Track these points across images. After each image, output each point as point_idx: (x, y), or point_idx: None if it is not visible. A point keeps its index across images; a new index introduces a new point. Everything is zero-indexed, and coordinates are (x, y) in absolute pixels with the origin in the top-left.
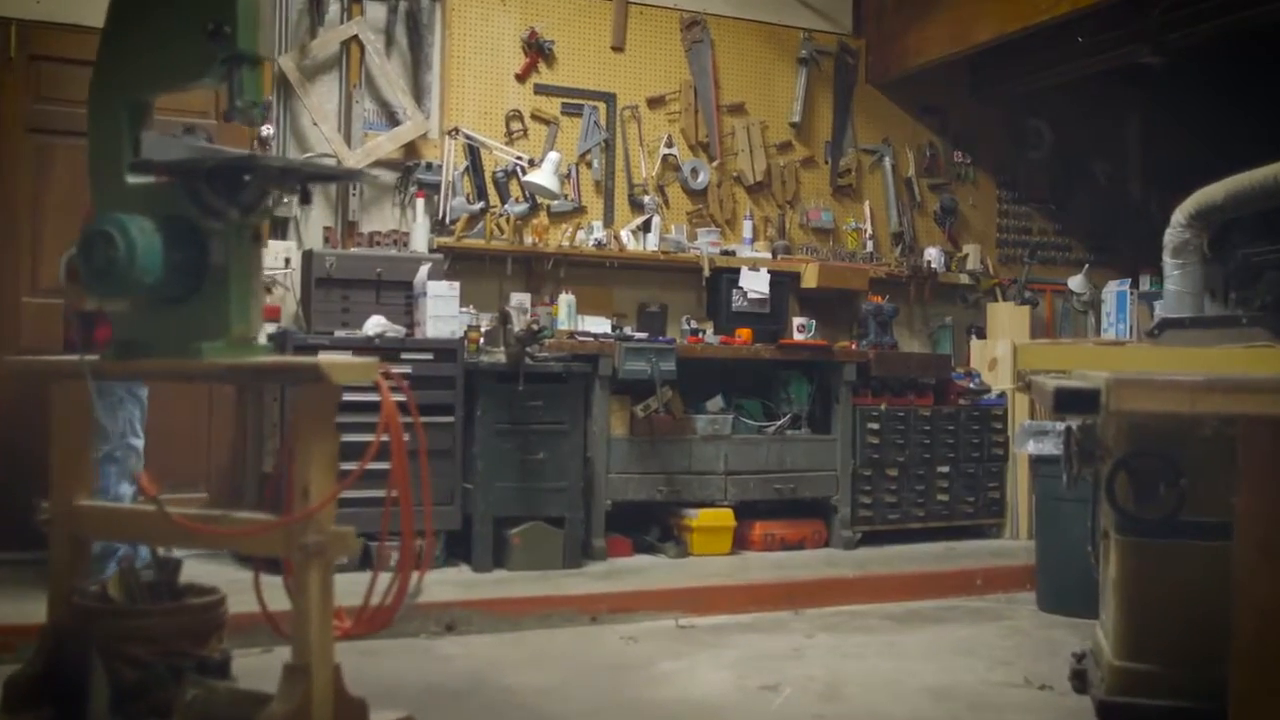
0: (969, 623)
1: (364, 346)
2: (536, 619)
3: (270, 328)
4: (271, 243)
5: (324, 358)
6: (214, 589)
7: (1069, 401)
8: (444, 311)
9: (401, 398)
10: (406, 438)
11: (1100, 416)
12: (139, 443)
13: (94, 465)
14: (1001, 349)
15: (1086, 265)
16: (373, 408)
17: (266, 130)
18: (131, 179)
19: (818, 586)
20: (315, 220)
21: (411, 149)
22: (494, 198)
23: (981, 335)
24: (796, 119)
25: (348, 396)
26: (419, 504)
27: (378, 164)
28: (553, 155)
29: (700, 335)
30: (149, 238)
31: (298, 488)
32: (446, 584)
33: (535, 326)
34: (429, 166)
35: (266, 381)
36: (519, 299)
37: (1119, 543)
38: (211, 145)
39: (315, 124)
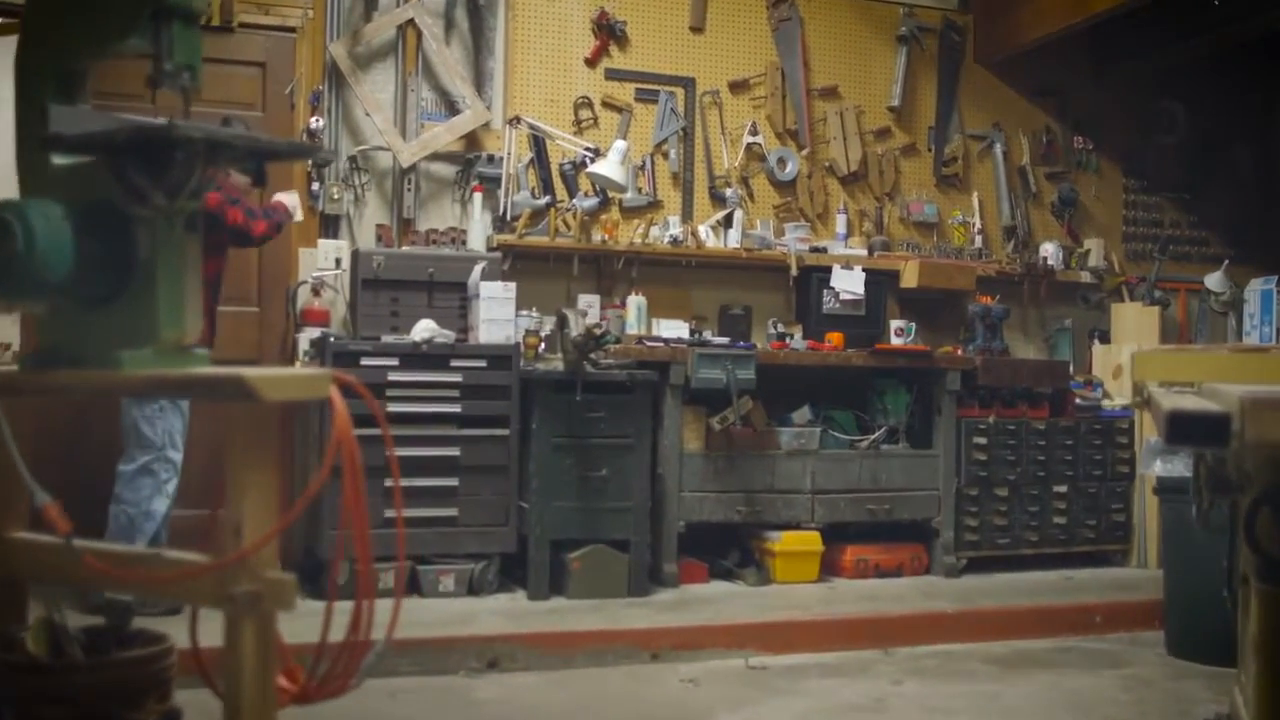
0: (1085, 670)
1: (410, 353)
2: (589, 655)
3: (314, 333)
4: (321, 242)
5: (254, 370)
6: (162, 637)
7: (1187, 429)
8: (499, 314)
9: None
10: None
11: (1231, 449)
12: (178, 456)
13: (129, 477)
14: (1127, 355)
15: (1226, 261)
16: (415, 419)
17: (316, 122)
18: (57, 160)
19: (912, 622)
20: (369, 218)
21: (473, 140)
22: (561, 192)
23: (1105, 339)
24: (896, 103)
25: (400, 408)
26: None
27: (433, 156)
28: (619, 144)
29: (787, 340)
30: (54, 226)
31: (228, 525)
32: (495, 614)
33: (598, 331)
34: (490, 159)
35: (191, 397)
36: (587, 301)
37: (1262, 593)
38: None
39: (368, 115)
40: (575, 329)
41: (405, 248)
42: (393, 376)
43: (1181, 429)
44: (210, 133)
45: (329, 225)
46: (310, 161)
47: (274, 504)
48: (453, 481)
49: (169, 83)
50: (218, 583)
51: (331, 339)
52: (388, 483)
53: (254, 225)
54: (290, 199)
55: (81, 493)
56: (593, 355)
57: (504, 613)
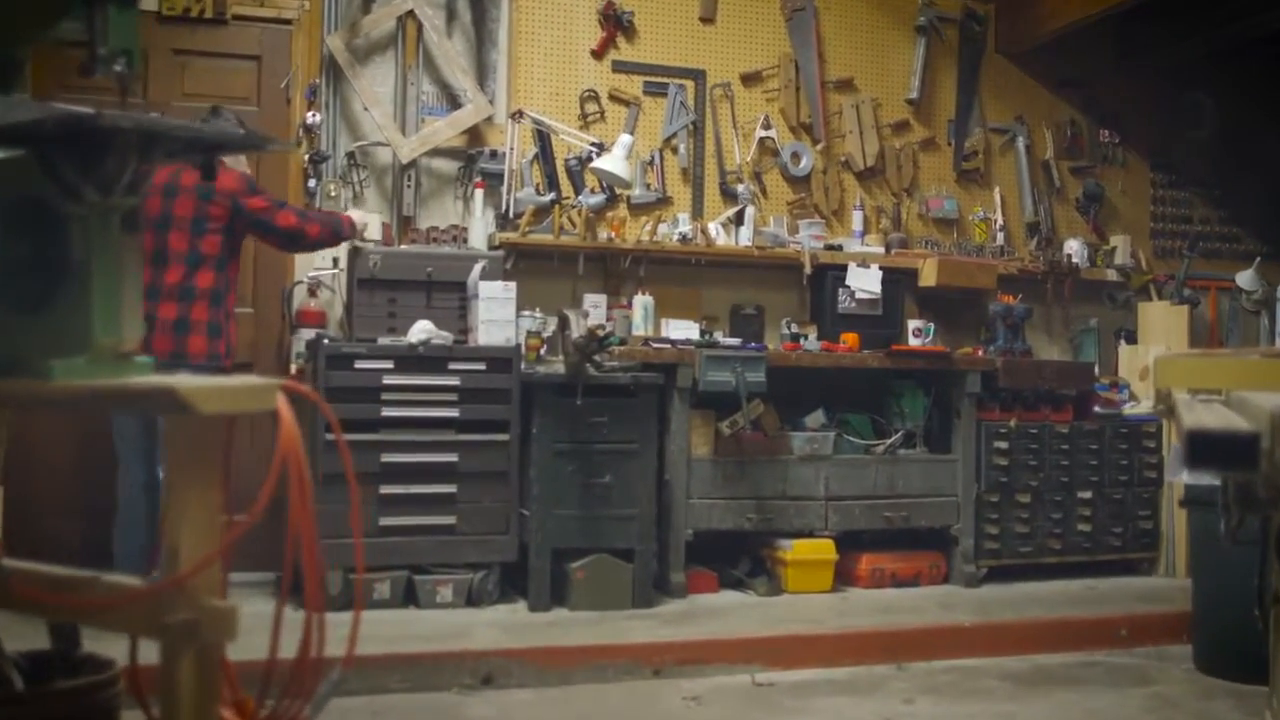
0: (1108, 687)
1: (406, 355)
2: (588, 671)
3: (310, 335)
4: None
5: (188, 380)
6: (110, 663)
7: (1210, 452)
8: (498, 315)
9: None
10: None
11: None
12: None
13: (147, 491)
14: (1155, 356)
15: (1258, 259)
16: (411, 423)
17: (313, 117)
18: None
19: (927, 636)
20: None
21: (475, 136)
22: (566, 188)
23: (1132, 340)
24: (914, 95)
25: (395, 412)
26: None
27: (434, 152)
28: (624, 138)
29: (800, 341)
30: None
31: (166, 548)
32: (493, 626)
33: (600, 332)
34: (493, 155)
35: (121, 411)
36: (593, 301)
37: None
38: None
39: (366, 109)
40: (577, 330)
41: (404, 246)
42: (388, 380)
43: (1204, 451)
44: (143, 122)
45: None
46: (306, 157)
47: (216, 525)
48: (450, 488)
49: (103, 70)
50: (153, 611)
51: (326, 340)
52: (383, 490)
53: (307, 227)
54: (361, 216)
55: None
56: (596, 357)
57: (502, 625)
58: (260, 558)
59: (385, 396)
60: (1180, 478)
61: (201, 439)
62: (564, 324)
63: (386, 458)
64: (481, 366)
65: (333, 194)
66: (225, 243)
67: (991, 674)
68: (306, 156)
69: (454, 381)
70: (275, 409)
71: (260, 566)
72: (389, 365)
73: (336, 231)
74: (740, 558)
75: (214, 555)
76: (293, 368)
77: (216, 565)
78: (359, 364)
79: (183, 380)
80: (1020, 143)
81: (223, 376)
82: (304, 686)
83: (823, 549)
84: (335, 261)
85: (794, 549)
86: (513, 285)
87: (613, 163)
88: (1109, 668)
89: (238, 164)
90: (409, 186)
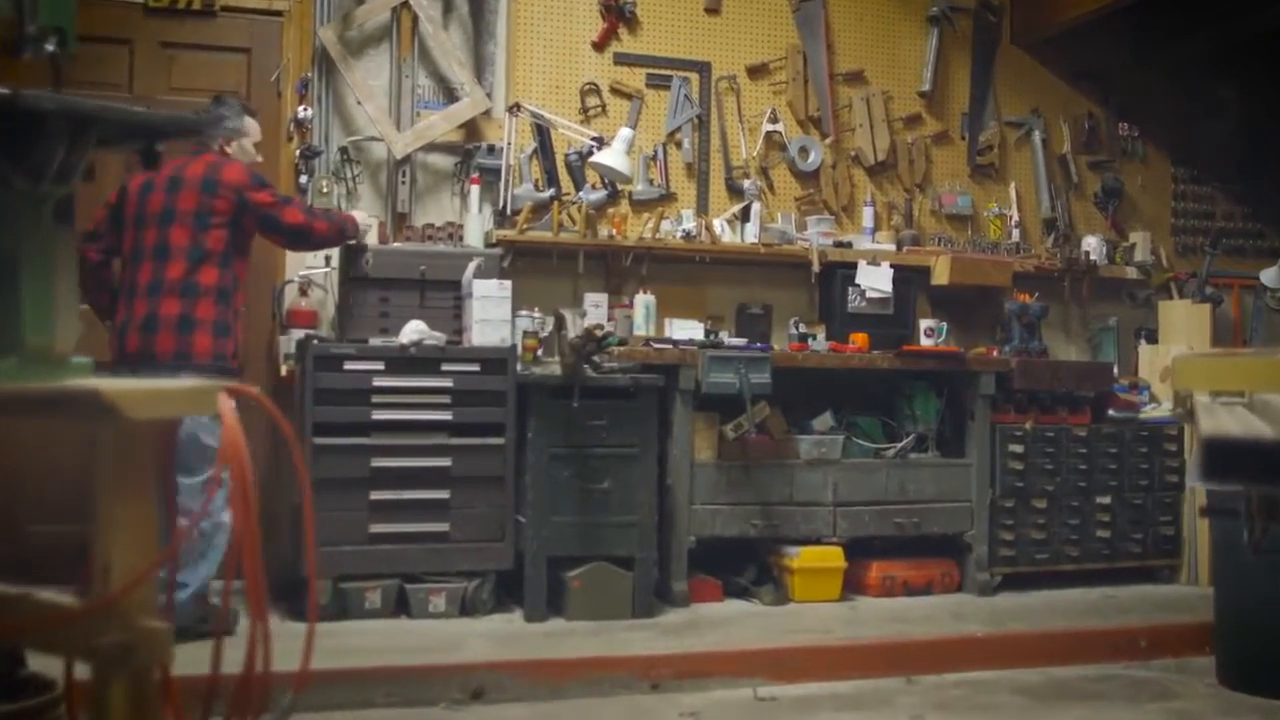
0: (1126, 703)
1: (398, 356)
2: (583, 685)
3: (299, 334)
4: None
5: (117, 383)
6: (51, 684)
7: (1229, 461)
8: (493, 315)
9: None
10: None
11: None
12: None
13: (196, 489)
14: (1175, 356)
15: None
16: (402, 427)
17: (304, 111)
18: None
19: (938, 648)
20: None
21: (472, 130)
22: (566, 184)
23: (1152, 339)
24: (926, 88)
25: (386, 415)
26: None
27: (430, 147)
28: (624, 132)
29: (808, 341)
30: None
31: (97, 565)
32: (486, 638)
33: (598, 332)
34: (491, 150)
35: (44, 416)
36: (594, 300)
37: None
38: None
39: (359, 103)
40: (573, 330)
41: (398, 244)
42: (378, 382)
43: (1223, 460)
44: (69, 104)
45: None
46: (297, 152)
47: (151, 540)
48: (443, 494)
49: (33, 50)
50: (83, 632)
51: (315, 341)
52: (374, 495)
53: (314, 223)
54: (363, 217)
55: None
56: (595, 358)
57: (495, 636)
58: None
59: (376, 399)
60: (1201, 485)
61: (132, 447)
62: (560, 323)
63: (377, 462)
64: (475, 368)
65: (325, 190)
66: (231, 238)
67: (1004, 688)
68: (298, 152)
69: (447, 383)
70: (220, 413)
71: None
72: (380, 366)
73: (342, 230)
74: (745, 565)
75: (147, 572)
76: (283, 369)
77: (151, 583)
78: (348, 365)
79: (111, 383)
80: (1036, 136)
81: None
82: (248, 708)
83: (830, 556)
84: (327, 260)
85: (801, 556)
86: (508, 284)
87: (613, 157)
88: (1128, 681)
89: (244, 155)
90: (403, 182)
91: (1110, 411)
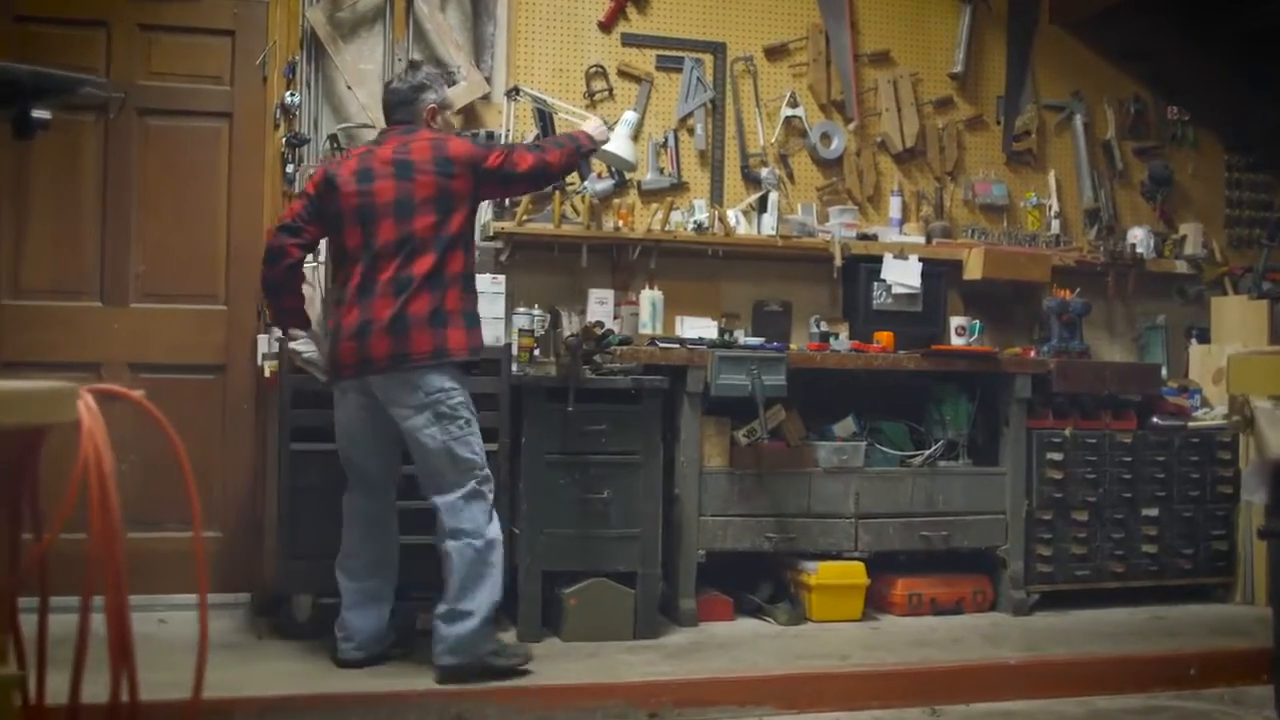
0: None
1: None
2: (575, 714)
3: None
4: None
5: None
6: None
7: None
8: (486, 311)
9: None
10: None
11: None
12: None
13: (458, 507)
14: (1231, 355)
15: None
16: None
17: (291, 96)
18: None
19: (965, 675)
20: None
21: (471, 116)
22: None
23: (1204, 339)
24: (958, 69)
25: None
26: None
27: None
28: (629, 115)
29: (830, 340)
30: None
31: None
32: None
33: (598, 330)
34: (490, 136)
35: None
36: (600, 296)
37: None
38: None
39: (350, 87)
40: (569, 327)
41: None
42: None
43: None
44: None
45: None
46: (284, 140)
47: (14, 557)
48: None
49: None
50: None
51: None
52: None
53: (547, 157)
54: (596, 123)
55: None
56: (596, 358)
57: None
58: (233, 578)
59: None
60: (1259, 499)
61: None
62: (555, 321)
63: None
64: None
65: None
66: (469, 219)
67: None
68: (284, 139)
69: None
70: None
71: (232, 587)
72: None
73: (578, 149)
74: (760, 582)
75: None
76: (266, 370)
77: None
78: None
79: None
80: (1078, 121)
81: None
82: None
83: (852, 572)
84: (316, 255)
85: (819, 572)
86: (501, 278)
87: (616, 143)
88: (1177, 714)
89: (448, 128)
90: None
91: (1156, 419)
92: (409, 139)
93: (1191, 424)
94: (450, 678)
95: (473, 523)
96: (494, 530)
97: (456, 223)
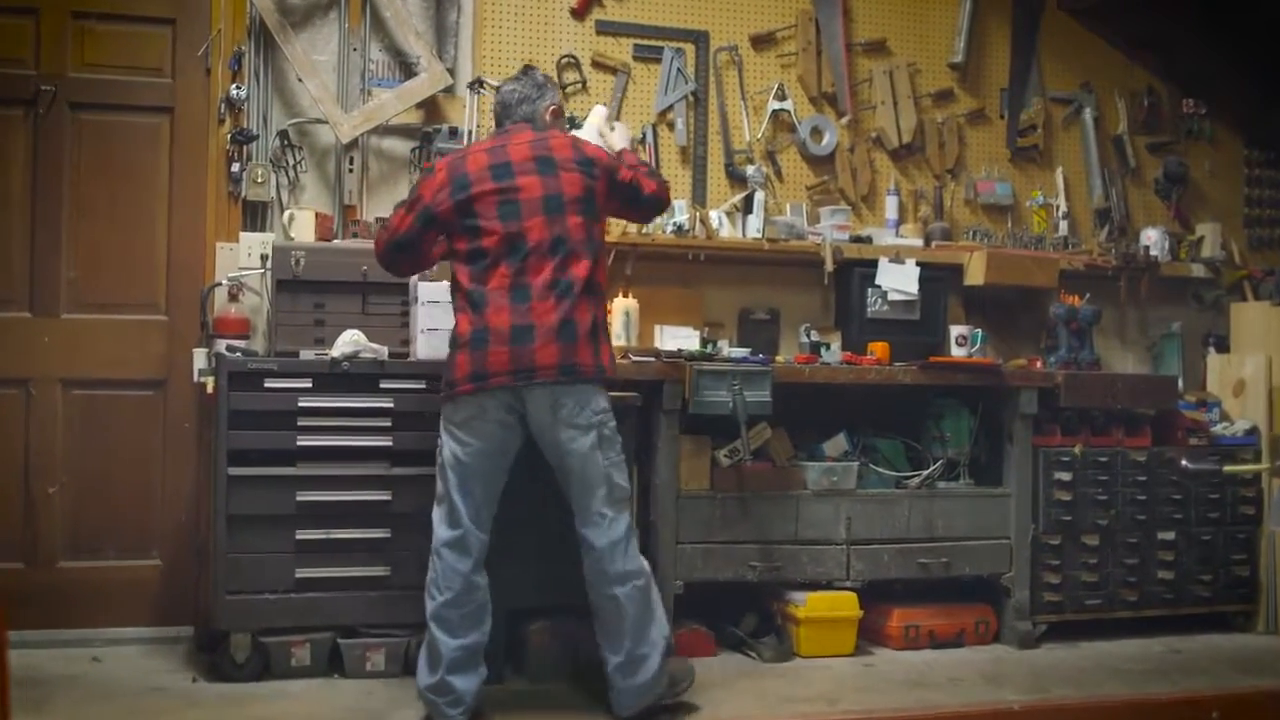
0: None
1: (328, 373)
2: None
3: (220, 346)
4: (244, 235)
5: None
6: None
7: None
8: (442, 323)
9: None
10: None
11: None
12: None
13: (623, 545)
14: (1251, 367)
15: None
16: (334, 454)
17: (237, 90)
18: None
19: None
20: (306, 205)
21: (432, 110)
22: None
23: (1223, 347)
24: (959, 59)
25: (315, 440)
26: None
27: (385, 130)
28: (598, 109)
29: (819, 352)
30: None
31: None
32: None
33: None
34: (453, 132)
35: None
36: None
37: None
38: None
39: (301, 80)
40: None
41: (339, 241)
42: (305, 402)
43: None
44: None
45: (254, 215)
46: (229, 137)
47: None
48: (383, 533)
49: None
50: None
51: (240, 354)
52: (300, 535)
53: (659, 185)
54: (619, 135)
55: None
56: None
57: None
58: (175, 611)
59: (302, 422)
60: None
61: None
62: None
63: (304, 495)
64: (420, 385)
65: (260, 180)
66: (604, 230)
67: None
68: (229, 136)
69: (387, 404)
70: None
71: (174, 620)
72: (307, 384)
73: (665, 183)
74: (744, 614)
75: None
76: (209, 386)
77: None
78: (270, 383)
79: None
80: (1087, 115)
81: None
82: None
83: (843, 603)
84: (264, 259)
85: (808, 604)
86: None
87: (585, 137)
88: None
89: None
90: (352, 170)
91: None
92: (543, 135)
93: (1225, 434)
94: None
95: (636, 562)
96: (644, 563)
97: (599, 230)
